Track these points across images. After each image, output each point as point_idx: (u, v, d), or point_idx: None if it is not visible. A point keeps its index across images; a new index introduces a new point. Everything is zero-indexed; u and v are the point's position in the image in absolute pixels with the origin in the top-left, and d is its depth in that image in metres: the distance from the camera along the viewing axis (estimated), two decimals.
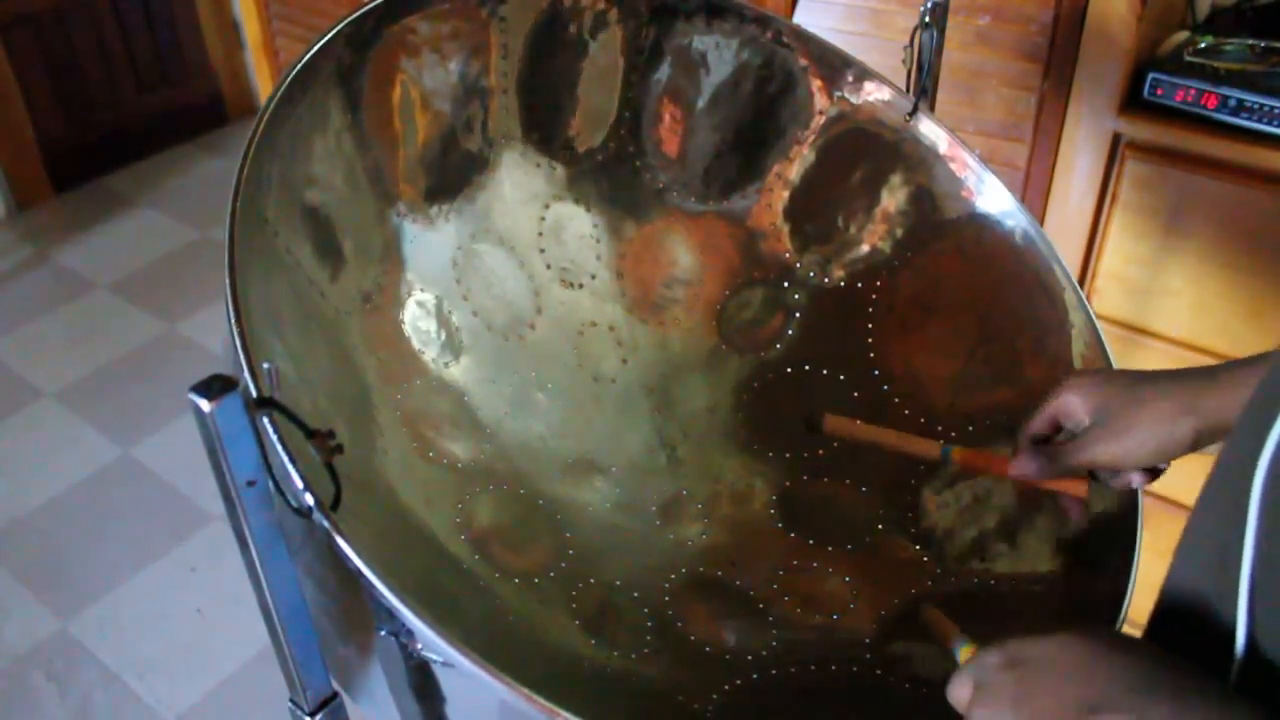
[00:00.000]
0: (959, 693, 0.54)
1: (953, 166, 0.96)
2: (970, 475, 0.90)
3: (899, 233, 0.99)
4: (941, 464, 0.83)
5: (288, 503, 0.56)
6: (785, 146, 1.01)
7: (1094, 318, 0.88)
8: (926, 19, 1.00)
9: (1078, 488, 0.78)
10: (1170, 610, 0.58)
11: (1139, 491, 0.79)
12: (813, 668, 0.81)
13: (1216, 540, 0.52)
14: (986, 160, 0.95)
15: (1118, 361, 0.86)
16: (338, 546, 0.54)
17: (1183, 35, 1.43)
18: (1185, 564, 0.58)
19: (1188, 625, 0.53)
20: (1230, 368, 0.69)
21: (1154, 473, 0.75)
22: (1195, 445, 0.70)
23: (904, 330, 0.98)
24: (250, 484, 0.55)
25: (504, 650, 0.72)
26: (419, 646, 0.57)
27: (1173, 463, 0.74)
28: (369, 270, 0.88)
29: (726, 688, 0.79)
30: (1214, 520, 0.54)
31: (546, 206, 1.00)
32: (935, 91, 1.07)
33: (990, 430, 0.90)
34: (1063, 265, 0.90)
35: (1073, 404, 0.74)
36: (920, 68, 1.01)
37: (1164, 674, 0.48)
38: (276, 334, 0.71)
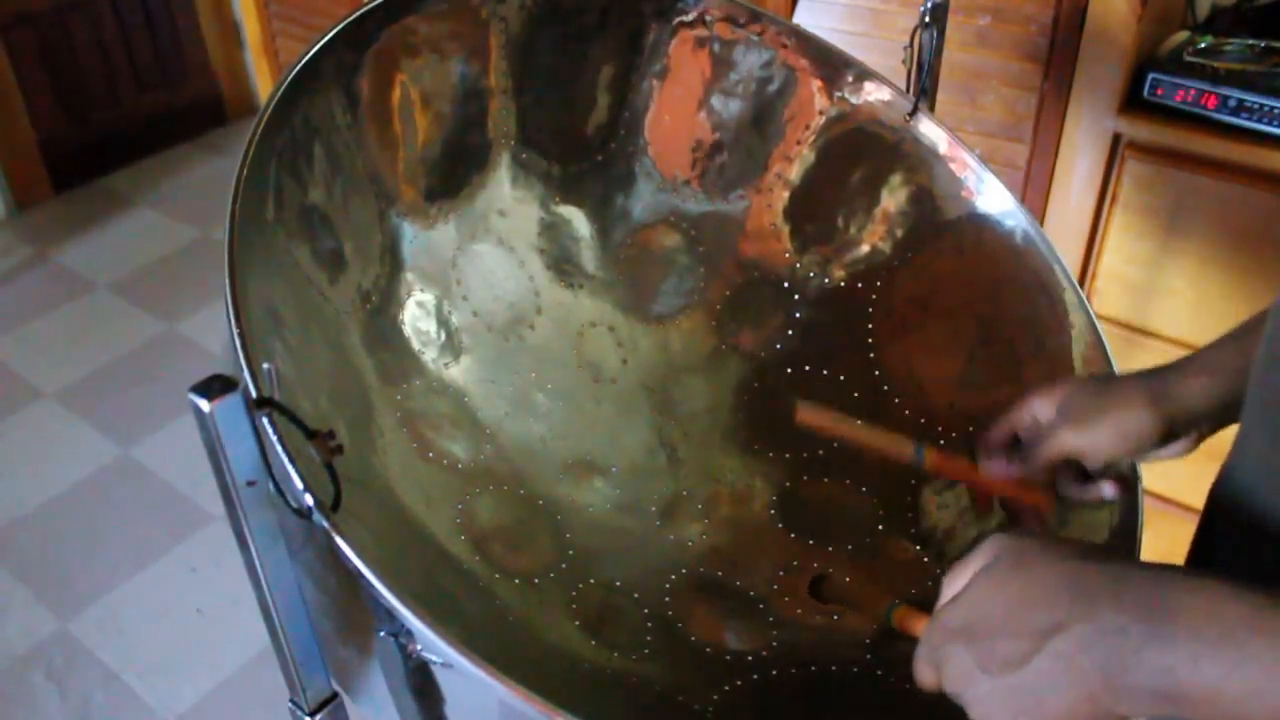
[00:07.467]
0: (924, 678, 0.54)
1: (953, 166, 0.96)
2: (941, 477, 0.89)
3: (899, 233, 0.99)
4: (914, 464, 0.82)
5: (287, 503, 0.56)
6: (785, 147, 1.01)
7: (1094, 318, 0.88)
8: (926, 19, 1.00)
9: (1040, 501, 0.76)
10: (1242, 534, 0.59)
11: (1139, 492, 0.79)
12: (813, 668, 0.81)
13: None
14: (986, 160, 0.95)
15: (1118, 361, 0.86)
16: (337, 547, 0.54)
17: (1183, 35, 1.43)
18: (1242, 489, 0.59)
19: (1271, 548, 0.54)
20: (1200, 355, 0.70)
21: (1124, 483, 0.75)
22: (1167, 437, 0.70)
23: (904, 330, 0.97)
24: (250, 484, 0.55)
25: (504, 651, 0.72)
26: (418, 647, 0.57)
27: (1173, 463, 0.74)
28: (369, 270, 0.88)
29: (726, 688, 0.79)
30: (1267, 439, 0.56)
31: (546, 207, 1.00)
32: (935, 91, 1.07)
33: None
34: (1063, 265, 0.90)
35: (1039, 404, 0.75)
36: (920, 68, 1.01)
37: (1091, 570, 0.49)
38: (276, 334, 0.71)
